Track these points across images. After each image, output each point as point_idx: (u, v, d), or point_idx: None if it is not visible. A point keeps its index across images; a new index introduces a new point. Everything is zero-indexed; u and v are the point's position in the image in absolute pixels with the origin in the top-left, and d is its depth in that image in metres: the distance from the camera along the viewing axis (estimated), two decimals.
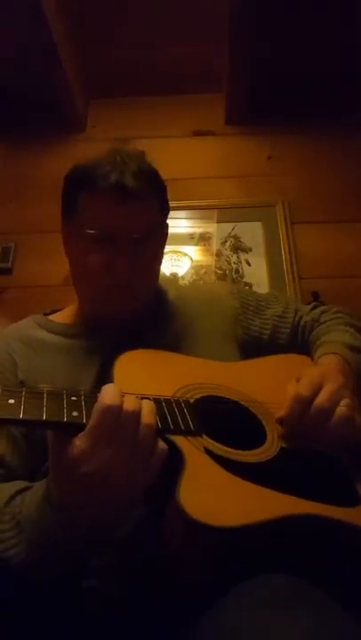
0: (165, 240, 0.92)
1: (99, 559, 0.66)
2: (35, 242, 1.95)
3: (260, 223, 1.93)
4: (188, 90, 2.17)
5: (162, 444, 0.55)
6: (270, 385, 0.76)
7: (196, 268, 1.86)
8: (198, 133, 2.15)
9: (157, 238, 0.86)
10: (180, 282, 1.81)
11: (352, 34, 1.84)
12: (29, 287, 1.88)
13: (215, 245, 1.90)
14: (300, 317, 0.97)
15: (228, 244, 1.91)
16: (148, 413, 0.55)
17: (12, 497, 0.64)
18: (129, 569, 0.65)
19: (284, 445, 0.67)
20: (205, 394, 0.70)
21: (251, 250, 1.89)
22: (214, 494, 0.56)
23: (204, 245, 1.91)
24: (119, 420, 0.52)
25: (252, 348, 0.91)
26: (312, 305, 1.01)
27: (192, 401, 0.67)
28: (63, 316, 0.94)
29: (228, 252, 1.89)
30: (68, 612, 0.63)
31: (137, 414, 0.54)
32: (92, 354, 0.82)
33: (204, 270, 1.86)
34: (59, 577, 0.60)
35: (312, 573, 0.53)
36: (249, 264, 1.87)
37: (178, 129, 2.16)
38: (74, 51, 1.96)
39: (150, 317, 0.88)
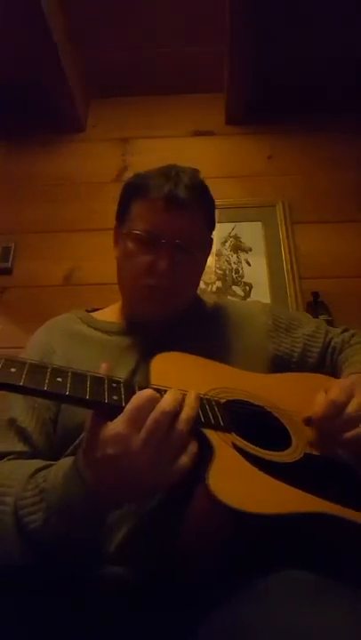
0: (209, 254, 0.98)
1: (111, 541, 0.68)
2: (35, 242, 1.95)
3: (260, 223, 1.93)
4: (188, 90, 2.17)
5: (194, 444, 0.57)
6: (296, 396, 0.78)
7: None
8: (198, 133, 2.15)
9: (200, 249, 0.91)
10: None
11: (352, 34, 1.84)
12: (29, 287, 1.88)
13: (215, 245, 1.89)
14: (331, 339, 0.98)
15: (228, 243, 1.91)
16: (189, 408, 0.58)
17: (38, 470, 0.67)
18: (150, 555, 0.66)
19: (308, 451, 0.69)
20: (234, 397, 0.73)
21: (251, 250, 1.89)
22: (243, 484, 0.58)
23: None
24: (157, 408, 0.56)
25: (281, 365, 0.93)
26: (343, 328, 1.03)
27: (223, 402, 0.70)
28: (104, 314, 0.99)
29: (228, 252, 1.89)
30: (87, 598, 0.64)
31: (175, 407, 0.57)
32: (127, 352, 0.86)
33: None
34: (71, 554, 0.62)
35: (330, 574, 0.54)
36: (249, 264, 1.87)
37: (178, 129, 2.16)
38: (74, 51, 1.96)
39: (187, 324, 0.92)
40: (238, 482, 0.58)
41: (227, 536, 0.56)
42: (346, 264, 1.83)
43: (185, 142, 2.14)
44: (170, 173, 0.87)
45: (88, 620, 0.62)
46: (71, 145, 2.16)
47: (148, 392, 0.57)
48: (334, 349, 0.96)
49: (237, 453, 0.62)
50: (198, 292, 1.01)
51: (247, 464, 0.61)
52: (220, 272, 1.86)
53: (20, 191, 2.07)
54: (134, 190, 0.89)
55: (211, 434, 0.62)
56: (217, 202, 1.94)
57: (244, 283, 1.83)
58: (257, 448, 0.64)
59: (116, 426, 0.56)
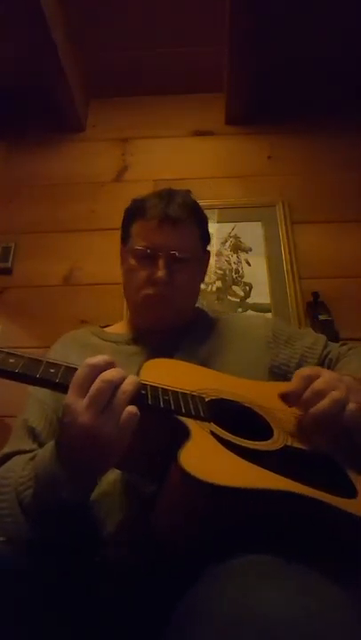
0: (207, 266, 1.09)
1: (109, 526, 0.72)
2: (35, 242, 1.95)
3: (260, 223, 1.93)
4: (188, 90, 2.17)
5: (133, 407, 0.61)
6: (281, 402, 0.79)
7: None
8: (198, 133, 2.15)
9: (196, 261, 1.01)
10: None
11: (352, 34, 1.85)
12: (29, 287, 1.88)
13: (215, 245, 1.90)
14: (329, 351, 1.00)
15: (228, 243, 1.91)
16: (128, 382, 0.62)
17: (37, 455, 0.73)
18: (138, 535, 0.69)
19: (288, 444, 0.70)
20: (219, 397, 0.76)
21: (251, 250, 1.89)
22: (214, 461, 0.61)
23: None
24: (99, 377, 0.61)
25: (279, 375, 0.95)
26: (342, 342, 1.06)
27: (207, 399, 0.73)
28: (114, 328, 1.09)
29: (228, 252, 1.89)
30: (79, 585, 0.67)
31: (117, 379, 0.62)
32: (133, 358, 0.93)
33: None
34: (64, 527, 0.66)
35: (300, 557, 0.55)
36: (249, 264, 1.87)
37: (178, 129, 2.16)
38: (74, 51, 1.96)
39: (189, 334, 0.99)
40: (209, 459, 0.61)
41: (196, 511, 0.58)
42: (346, 264, 1.83)
43: (185, 142, 2.14)
44: (163, 195, 0.99)
45: (88, 604, 0.65)
46: (71, 145, 2.16)
47: (89, 362, 0.62)
48: (331, 361, 0.99)
49: (214, 439, 0.64)
50: (203, 306, 1.06)
51: (221, 447, 0.63)
52: (220, 272, 1.86)
53: (19, 191, 2.07)
54: (133, 213, 1.01)
55: (189, 422, 0.65)
56: (217, 202, 1.95)
57: (244, 283, 1.83)
58: (235, 437, 0.66)
59: (67, 396, 0.62)
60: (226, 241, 1.91)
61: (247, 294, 1.81)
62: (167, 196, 0.98)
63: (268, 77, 1.98)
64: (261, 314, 1.76)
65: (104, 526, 0.73)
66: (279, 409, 0.76)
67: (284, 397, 0.75)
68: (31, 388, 0.91)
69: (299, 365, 0.97)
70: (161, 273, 0.93)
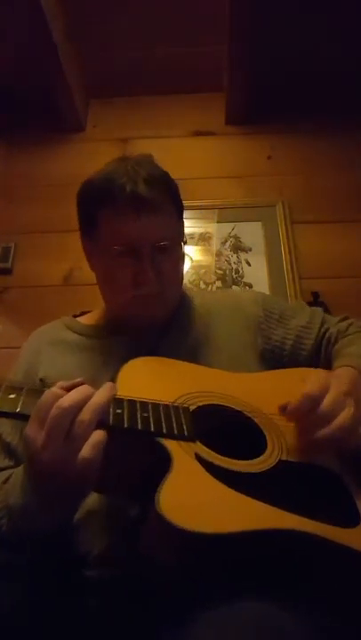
0: (183, 238, 0.93)
1: (96, 549, 0.69)
2: (35, 242, 1.95)
3: (260, 223, 1.93)
4: (188, 90, 2.17)
5: (99, 433, 0.56)
6: (280, 397, 0.72)
7: (196, 268, 1.86)
8: (198, 133, 2.15)
9: (178, 242, 0.89)
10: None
11: (352, 34, 1.84)
12: (29, 287, 1.88)
13: (215, 245, 1.90)
14: (327, 329, 0.94)
15: (228, 243, 1.91)
16: (88, 409, 0.57)
17: (10, 477, 0.70)
18: (123, 558, 0.66)
19: (283, 458, 0.65)
20: (207, 402, 0.69)
21: (251, 250, 1.89)
22: (194, 497, 0.55)
23: (204, 245, 1.91)
24: (55, 406, 0.56)
25: (273, 358, 0.90)
26: (342, 317, 0.98)
27: (192, 408, 0.66)
28: (89, 318, 0.99)
29: (228, 252, 1.89)
30: (69, 600, 0.65)
31: (78, 402, 0.57)
32: (111, 353, 0.85)
33: (204, 270, 1.86)
34: (42, 552, 0.64)
35: (292, 597, 0.51)
36: (249, 264, 1.87)
37: (178, 129, 2.16)
38: (74, 51, 1.96)
39: (173, 322, 0.90)
40: (191, 497, 0.55)
41: (176, 552, 0.54)
42: (346, 264, 1.83)
43: (185, 142, 2.14)
44: (126, 170, 0.82)
45: (74, 621, 0.63)
46: (71, 145, 2.16)
47: (49, 392, 0.57)
48: (329, 340, 0.92)
49: (198, 465, 0.58)
50: (184, 288, 0.98)
51: (207, 476, 0.57)
52: (220, 272, 1.86)
53: (19, 191, 2.06)
54: (95, 199, 0.85)
55: (172, 445, 0.59)
56: (217, 202, 1.93)
57: (244, 283, 1.83)
58: (223, 458, 0.61)
59: (27, 427, 0.58)
60: (226, 241, 1.91)
61: None
62: (133, 172, 0.82)
63: (268, 77, 1.98)
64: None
65: (90, 547, 0.69)
66: (275, 413, 0.70)
67: (285, 412, 0.68)
68: None
69: (294, 348, 0.91)
70: (149, 272, 0.81)
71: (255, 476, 0.60)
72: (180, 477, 0.56)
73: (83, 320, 0.98)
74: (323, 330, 0.94)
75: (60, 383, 0.60)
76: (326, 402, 0.65)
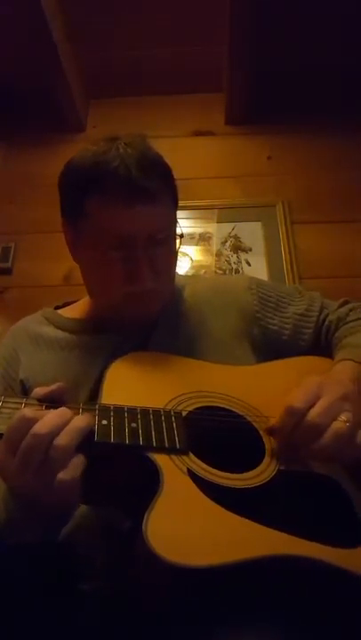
0: (177, 229, 0.85)
1: (93, 563, 0.66)
2: (35, 242, 1.95)
3: (260, 223, 1.93)
4: (188, 90, 2.17)
5: (78, 457, 0.53)
6: (280, 394, 0.66)
7: (196, 268, 1.86)
8: (198, 133, 2.15)
9: (172, 231, 0.81)
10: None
11: (353, 34, 1.84)
12: (29, 287, 1.88)
13: (215, 245, 1.90)
14: (326, 315, 0.89)
15: (228, 243, 1.91)
16: (66, 434, 0.53)
17: None
18: (119, 573, 0.63)
19: (282, 467, 0.61)
20: (202, 404, 0.65)
21: (251, 250, 1.89)
22: (185, 525, 0.51)
23: (204, 245, 1.91)
24: (30, 432, 0.52)
25: (270, 348, 0.85)
26: (342, 301, 0.93)
27: (185, 413, 0.62)
28: (73, 311, 0.91)
29: (228, 252, 1.89)
30: (64, 614, 0.62)
31: (54, 427, 0.52)
32: (97, 351, 0.79)
33: (204, 270, 1.86)
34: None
35: (294, 624, 0.48)
36: (249, 264, 1.87)
37: (178, 129, 2.15)
38: (74, 51, 1.96)
39: (163, 316, 0.83)
40: (179, 522, 0.51)
41: (163, 583, 0.50)
42: (346, 264, 1.83)
43: (185, 142, 2.13)
44: (120, 153, 0.72)
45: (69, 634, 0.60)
46: (71, 145, 2.15)
47: (20, 414, 0.53)
48: (329, 328, 0.87)
49: (190, 482, 0.54)
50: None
51: (199, 495, 0.53)
52: (220, 272, 1.86)
53: (20, 191, 2.06)
54: (83, 185, 0.75)
55: (163, 460, 0.55)
56: (217, 202, 1.93)
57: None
58: (217, 472, 0.57)
59: (0, 452, 0.54)
60: (226, 241, 1.91)
61: None
62: (124, 153, 0.72)
63: (268, 77, 1.97)
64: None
65: (85, 564, 0.66)
66: (273, 414, 0.65)
67: (272, 435, 0.63)
68: None
69: (293, 337, 0.86)
70: (143, 267, 0.74)
71: (250, 491, 0.57)
72: (170, 501, 0.52)
73: (66, 313, 0.90)
74: (322, 317, 0.89)
75: (37, 390, 0.57)
76: (315, 411, 0.59)
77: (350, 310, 0.89)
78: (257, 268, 1.85)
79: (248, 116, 2.10)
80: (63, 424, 0.53)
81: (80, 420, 0.55)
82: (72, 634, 0.59)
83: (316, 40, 1.88)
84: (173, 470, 0.55)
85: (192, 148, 2.11)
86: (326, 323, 0.88)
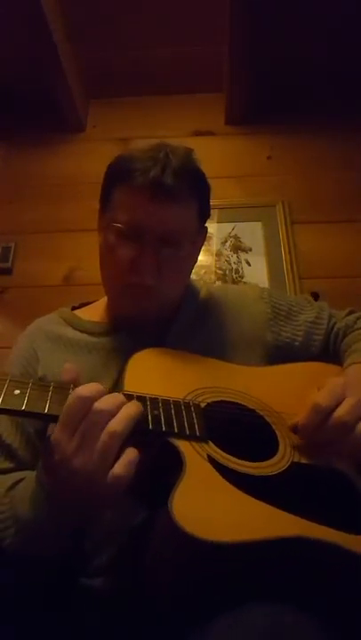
0: (201, 245, 0.90)
1: (100, 557, 0.67)
2: (35, 242, 1.95)
3: (260, 223, 1.93)
4: (188, 90, 2.17)
5: (131, 451, 0.53)
6: (291, 394, 0.71)
7: (197, 268, 1.84)
8: (198, 133, 2.15)
9: (190, 242, 0.82)
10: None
11: (353, 34, 1.84)
12: (29, 287, 1.88)
13: (215, 245, 1.90)
14: (335, 324, 0.92)
15: (228, 243, 1.91)
16: (119, 420, 0.53)
17: (15, 483, 0.66)
18: (127, 568, 0.65)
19: (296, 460, 0.63)
20: (218, 398, 0.67)
21: (251, 250, 1.89)
22: (209, 505, 0.54)
23: (205, 245, 1.88)
24: (88, 413, 0.52)
25: (282, 354, 0.87)
26: (348, 310, 0.96)
27: (203, 405, 0.64)
28: (90, 313, 0.92)
29: (228, 252, 1.89)
30: (66, 609, 0.63)
31: (108, 414, 0.53)
32: (115, 353, 0.80)
33: (204, 270, 1.86)
34: (48, 564, 0.61)
35: (305, 603, 0.49)
36: (249, 264, 1.87)
37: (178, 129, 2.15)
38: (74, 51, 1.96)
39: (179, 321, 0.86)
40: (203, 502, 0.53)
41: (186, 560, 0.53)
42: (346, 264, 1.83)
43: (185, 142, 2.09)
44: (158, 155, 0.76)
45: (71, 634, 0.61)
46: (71, 145, 2.16)
47: (77, 393, 0.53)
48: (337, 335, 0.90)
49: (211, 467, 0.57)
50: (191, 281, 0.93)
51: (220, 480, 0.56)
52: (220, 272, 1.86)
53: (20, 191, 2.06)
54: (117, 174, 0.79)
55: (184, 446, 0.58)
56: (217, 202, 1.92)
57: (244, 283, 1.83)
58: (235, 460, 0.59)
59: (54, 432, 0.54)
60: (226, 241, 1.91)
61: None
62: (163, 157, 0.76)
63: (268, 77, 1.98)
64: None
65: (92, 558, 0.68)
66: (288, 412, 0.69)
67: (297, 432, 0.66)
68: None
69: (305, 344, 0.89)
70: (147, 260, 0.75)
71: (268, 479, 0.59)
72: (194, 482, 0.54)
73: (83, 315, 0.92)
74: (331, 324, 0.92)
75: (92, 387, 0.55)
76: (343, 409, 0.62)
77: (357, 319, 0.92)
78: (257, 267, 1.85)
79: (248, 116, 2.11)
80: (119, 406, 0.54)
81: (131, 408, 0.55)
82: (72, 630, 0.60)
83: (316, 40, 1.88)
84: (195, 455, 0.57)
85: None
86: (335, 330, 0.91)
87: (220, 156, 2.09)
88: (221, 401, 0.67)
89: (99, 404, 0.53)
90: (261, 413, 0.68)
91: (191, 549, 0.51)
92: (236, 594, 0.50)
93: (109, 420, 0.53)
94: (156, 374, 0.67)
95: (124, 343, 0.82)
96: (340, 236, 1.88)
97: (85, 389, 0.54)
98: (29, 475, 0.64)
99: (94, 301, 0.97)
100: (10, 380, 0.54)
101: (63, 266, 1.90)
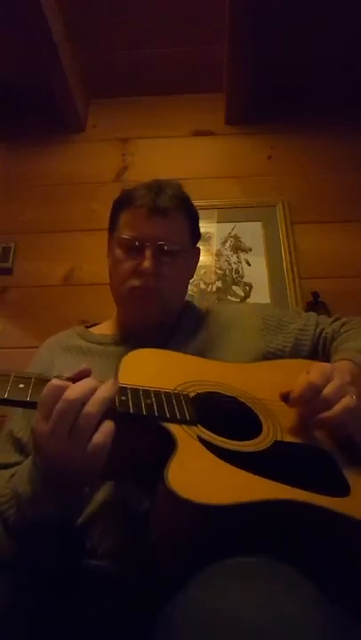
0: (196, 263, 1.07)
1: (106, 541, 0.71)
2: (35, 242, 1.95)
3: (260, 223, 1.93)
4: (188, 90, 2.17)
5: (108, 423, 0.59)
6: (274, 383, 0.78)
7: (197, 268, 1.85)
8: (198, 133, 2.15)
9: (185, 255, 0.98)
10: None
11: (353, 34, 1.84)
12: (29, 287, 1.88)
13: (215, 245, 1.90)
14: (322, 330, 0.99)
15: (228, 244, 1.91)
16: (92, 403, 0.59)
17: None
18: (133, 548, 0.69)
19: (278, 439, 0.70)
20: (205, 390, 0.74)
21: (251, 250, 1.89)
22: (200, 474, 0.59)
23: (204, 245, 1.91)
24: (62, 399, 0.58)
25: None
26: (334, 317, 1.04)
27: (191, 395, 0.70)
28: (100, 328, 1.06)
29: (228, 252, 1.89)
30: (68, 590, 0.67)
31: (83, 395, 0.59)
32: (120, 358, 0.87)
33: (203, 270, 1.86)
34: (47, 544, 0.66)
35: (293, 561, 0.53)
36: (249, 264, 1.87)
37: (178, 129, 2.16)
38: (74, 51, 1.96)
39: (180, 330, 0.97)
40: (196, 473, 0.59)
41: (186, 528, 0.57)
42: (346, 264, 1.83)
43: (185, 142, 2.14)
44: (153, 185, 0.96)
45: (74, 616, 0.64)
46: (71, 145, 2.16)
47: (52, 384, 0.59)
48: (326, 340, 0.98)
49: (201, 445, 0.63)
50: (193, 299, 1.03)
51: (210, 455, 0.62)
52: (220, 272, 1.86)
53: (20, 191, 2.06)
54: (122, 202, 0.98)
55: (176, 428, 0.63)
56: (217, 202, 1.95)
57: (244, 283, 1.83)
58: (223, 439, 0.65)
59: (34, 418, 0.60)
60: (226, 241, 1.91)
61: (247, 294, 1.81)
62: (157, 187, 0.95)
63: (268, 77, 1.98)
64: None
65: (97, 546, 0.71)
66: (270, 399, 0.76)
67: (288, 401, 0.74)
68: None
69: (294, 350, 0.96)
70: (147, 263, 0.90)
71: (253, 454, 0.65)
72: (186, 456, 0.60)
73: (94, 330, 1.05)
74: (318, 330, 0.99)
75: (65, 375, 0.61)
76: (329, 388, 0.70)
77: (343, 324, 1.00)
78: (257, 267, 1.85)
79: (248, 116, 2.11)
80: (90, 391, 0.59)
81: (105, 390, 0.61)
82: (73, 614, 0.64)
83: (316, 40, 1.88)
84: (185, 436, 0.63)
85: (192, 148, 2.11)
86: (323, 335, 0.99)
87: (220, 155, 2.09)
88: (208, 392, 0.74)
89: (69, 392, 0.58)
90: (245, 401, 0.75)
91: (186, 514, 0.55)
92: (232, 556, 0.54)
93: (81, 404, 0.58)
94: (147, 369, 0.73)
95: (128, 349, 0.89)
96: (340, 236, 1.88)
97: (58, 380, 0.60)
98: (29, 458, 0.69)
99: (105, 322, 1.09)
100: (14, 376, 0.61)
101: (63, 266, 1.90)
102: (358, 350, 0.86)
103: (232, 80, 1.97)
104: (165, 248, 0.92)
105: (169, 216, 0.92)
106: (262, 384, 0.78)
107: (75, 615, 0.64)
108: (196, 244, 1.04)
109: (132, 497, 0.71)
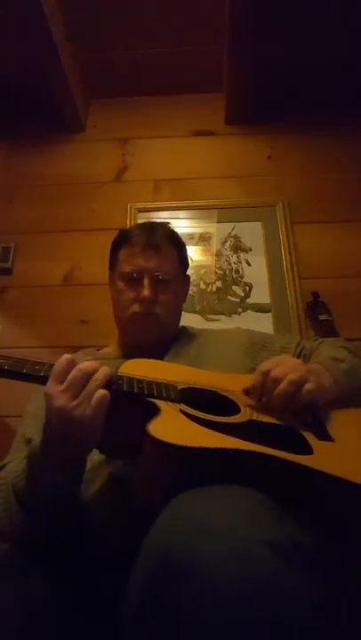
0: (187, 290, 1.21)
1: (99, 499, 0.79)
2: (35, 242, 1.95)
3: (260, 223, 1.93)
4: (188, 90, 2.17)
5: (104, 392, 0.69)
6: (249, 382, 0.87)
7: (196, 268, 1.86)
8: (198, 133, 2.15)
9: (177, 283, 1.13)
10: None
11: (353, 34, 1.85)
12: (29, 287, 1.88)
13: (215, 245, 1.90)
14: (303, 347, 1.09)
15: (228, 243, 1.91)
16: (101, 372, 0.71)
17: None
18: (119, 511, 0.76)
19: (253, 418, 0.79)
20: (190, 385, 0.84)
21: (251, 250, 1.89)
22: (177, 428, 0.69)
23: (205, 245, 1.91)
24: (75, 368, 0.70)
25: None
26: (315, 339, 1.15)
27: (178, 387, 0.81)
28: (106, 350, 1.19)
29: (228, 252, 1.89)
30: (68, 553, 0.73)
31: (92, 369, 0.70)
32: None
33: (204, 270, 1.86)
34: (54, 507, 0.73)
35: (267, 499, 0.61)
36: (249, 264, 1.87)
37: (178, 129, 2.16)
38: (74, 51, 1.96)
39: (173, 346, 1.09)
40: (177, 428, 0.68)
41: (165, 472, 0.64)
42: (346, 264, 1.83)
43: (185, 142, 2.14)
44: (146, 226, 1.14)
45: (87, 603, 0.68)
46: (71, 145, 2.16)
47: (65, 356, 0.71)
48: (305, 356, 1.06)
49: (182, 415, 0.72)
50: (193, 299, 1.08)
51: (189, 420, 0.71)
52: (220, 272, 1.86)
53: (20, 191, 2.07)
54: (120, 241, 1.13)
55: (161, 403, 0.73)
56: (217, 202, 1.98)
57: (244, 283, 1.83)
58: (203, 413, 0.74)
59: (47, 386, 0.70)
60: (226, 241, 1.91)
61: (247, 294, 1.81)
62: (149, 227, 1.13)
63: (268, 77, 1.98)
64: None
65: (97, 532, 0.78)
66: (250, 402, 0.84)
67: (248, 393, 0.83)
68: (28, 406, 1.01)
69: None
70: (146, 292, 1.04)
71: (229, 424, 0.74)
72: (166, 417, 0.70)
73: (101, 351, 1.18)
74: (299, 348, 1.09)
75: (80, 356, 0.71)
76: (276, 369, 0.80)
77: (320, 343, 1.10)
78: (257, 268, 1.85)
79: (248, 116, 2.11)
80: (97, 367, 0.72)
81: (107, 368, 0.73)
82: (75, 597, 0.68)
83: (316, 40, 1.88)
84: (169, 409, 0.73)
85: (192, 148, 2.12)
86: (303, 352, 1.08)
87: (220, 155, 2.09)
88: (193, 387, 0.84)
89: (81, 364, 0.71)
90: (225, 393, 0.85)
91: (163, 456, 0.63)
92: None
93: (91, 374, 0.70)
94: (143, 371, 0.84)
95: None
96: (340, 236, 1.88)
97: (69, 355, 0.72)
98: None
99: (108, 346, 1.21)
100: (32, 361, 0.74)
101: (63, 266, 1.90)
102: (330, 357, 0.94)
103: (232, 80, 1.97)
104: (160, 277, 1.06)
105: (161, 250, 1.07)
106: (240, 384, 0.87)
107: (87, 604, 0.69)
108: (186, 271, 1.19)
109: (122, 466, 0.80)
